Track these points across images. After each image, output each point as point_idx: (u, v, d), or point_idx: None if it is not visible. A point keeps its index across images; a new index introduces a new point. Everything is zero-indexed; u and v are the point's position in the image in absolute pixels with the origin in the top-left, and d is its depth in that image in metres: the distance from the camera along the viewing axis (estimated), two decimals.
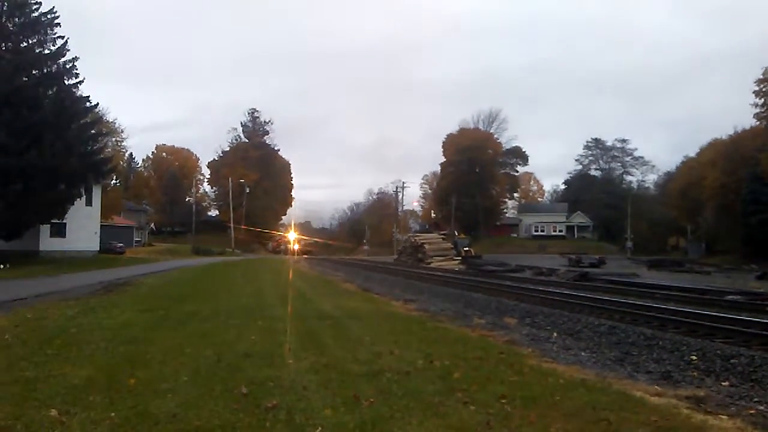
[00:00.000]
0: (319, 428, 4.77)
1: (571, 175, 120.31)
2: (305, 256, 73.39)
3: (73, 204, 40.03)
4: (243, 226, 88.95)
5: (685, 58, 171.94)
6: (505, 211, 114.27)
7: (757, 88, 55.33)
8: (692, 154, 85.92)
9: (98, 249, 49.11)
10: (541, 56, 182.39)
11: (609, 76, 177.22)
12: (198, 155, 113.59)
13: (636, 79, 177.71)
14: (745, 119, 76.07)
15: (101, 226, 51.00)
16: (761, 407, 6.63)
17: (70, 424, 4.84)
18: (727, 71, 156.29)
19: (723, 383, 8.07)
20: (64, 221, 42.55)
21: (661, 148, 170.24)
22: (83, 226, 46.14)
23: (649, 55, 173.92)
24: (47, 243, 43.22)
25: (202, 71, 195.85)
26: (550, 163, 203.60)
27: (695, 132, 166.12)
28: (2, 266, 31.31)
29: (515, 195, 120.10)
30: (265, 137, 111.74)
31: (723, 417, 5.88)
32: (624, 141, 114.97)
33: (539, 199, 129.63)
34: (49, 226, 42.24)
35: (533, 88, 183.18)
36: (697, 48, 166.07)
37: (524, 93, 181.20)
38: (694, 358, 9.65)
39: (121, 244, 57.92)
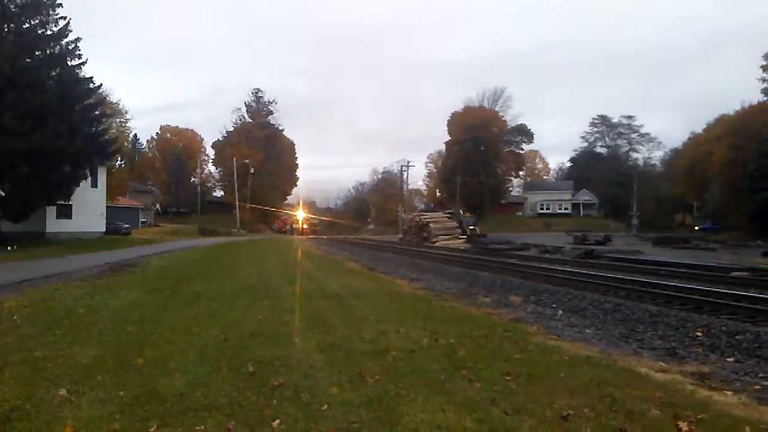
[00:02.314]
0: (326, 406, 4.81)
1: (577, 153, 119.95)
2: (311, 235, 73.48)
3: (78, 185, 40.09)
4: (250, 205, 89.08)
5: (696, 35, 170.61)
6: (510, 189, 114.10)
7: (765, 63, 54.81)
8: (701, 130, 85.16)
9: (104, 230, 49.25)
10: (552, 35, 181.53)
11: (619, 54, 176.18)
12: (203, 136, 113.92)
13: (646, 57, 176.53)
14: (754, 95, 75.25)
15: (107, 207, 51.10)
16: (766, 383, 6.65)
17: (79, 403, 4.90)
18: (738, 48, 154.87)
19: (728, 359, 8.09)
20: (70, 203, 42.60)
21: (671, 125, 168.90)
22: (89, 207, 46.23)
23: (660, 32, 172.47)
24: (54, 224, 43.37)
25: (213, 51, 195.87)
26: (557, 141, 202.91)
27: (706, 109, 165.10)
28: (9, 248, 31.50)
29: (521, 173, 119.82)
30: (269, 117, 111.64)
31: (728, 392, 5.91)
32: (630, 118, 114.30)
33: (545, 177, 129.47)
34: (55, 207, 42.29)
35: (543, 66, 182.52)
36: (709, 25, 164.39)
37: (534, 71, 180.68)
38: (699, 334, 9.67)
39: (127, 225, 58.06)
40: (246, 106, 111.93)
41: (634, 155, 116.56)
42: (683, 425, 4.44)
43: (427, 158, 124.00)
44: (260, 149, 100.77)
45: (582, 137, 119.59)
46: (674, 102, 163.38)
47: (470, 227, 60.86)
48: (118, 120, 73.61)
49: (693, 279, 19.01)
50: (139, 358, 6.42)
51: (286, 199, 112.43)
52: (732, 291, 14.69)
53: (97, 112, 43.35)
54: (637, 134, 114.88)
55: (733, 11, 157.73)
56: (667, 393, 5.50)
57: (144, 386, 5.38)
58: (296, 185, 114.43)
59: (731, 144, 62.60)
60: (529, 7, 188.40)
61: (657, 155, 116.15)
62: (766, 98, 58.57)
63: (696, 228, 78.65)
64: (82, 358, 6.53)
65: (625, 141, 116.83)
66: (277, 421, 4.40)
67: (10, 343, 7.42)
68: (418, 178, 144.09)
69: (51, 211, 42.53)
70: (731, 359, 8.09)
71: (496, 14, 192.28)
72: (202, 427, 4.31)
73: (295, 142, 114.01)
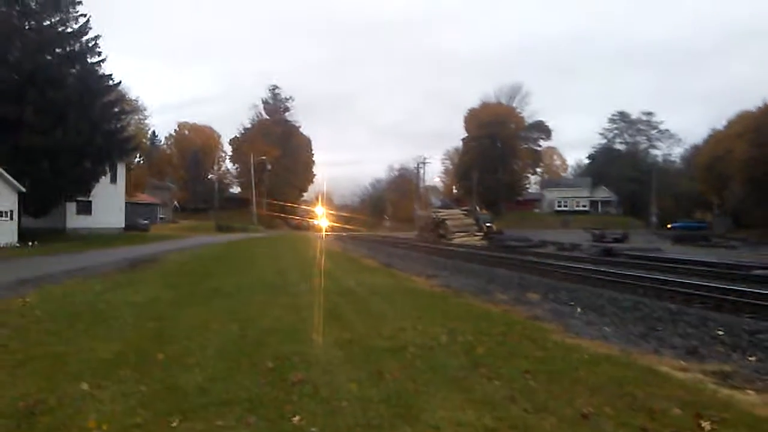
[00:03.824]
0: (345, 402, 4.82)
1: (595, 150, 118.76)
2: (328, 232, 73.63)
3: (98, 181, 40.60)
4: (270, 200, 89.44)
5: (718, 29, 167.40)
6: (527, 186, 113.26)
7: None
8: (721, 127, 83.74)
9: (123, 226, 49.74)
10: (573, 28, 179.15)
11: (638, 48, 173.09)
12: (220, 132, 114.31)
13: (667, 52, 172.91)
14: None
15: (126, 203, 51.62)
16: None
17: (101, 397, 4.96)
18: (761, 41, 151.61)
19: (750, 358, 7.99)
20: (90, 199, 43.14)
21: (692, 121, 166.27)
22: (108, 203, 46.75)
23: (681, 26, 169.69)
24: (74, 220, 43.91)
25: (230, 48, 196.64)
26: (575, 137, 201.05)
27: (728, 105, 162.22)
28: (30, 243, 31.90)
29: (538, 170, 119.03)
30: (286, 114, 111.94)
31: (750, 392, 5.83)
32: (649, 114, 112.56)
33: (562, 174, 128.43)
34: (75, 203, 42.87)
35: (564, 61, 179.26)
36: (731, 18, 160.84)
37: (552, 66, 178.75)
38: (721, 333, 9.56)
39: (146, 221, 58.62)
40: (263, 102, 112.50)
41: (653, 152, 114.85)
42: (706, 424, 4.40)
43: (444, 155, 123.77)
44: (277, 145, 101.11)
45: (600, 134, 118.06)
46: (695, 98, 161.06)
47: (486, 224, 60.59)
48: (136, 117, 74.18)
49: (713, 277, 18.79)
50: (159, 354, 6.48)
51: (303, 195, 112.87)
52: (753, 289, 14.50)
53: (116, 109, 43.79)
54: (656, 130, 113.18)
55: (756, 3, 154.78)
56: (688, 392, 5.44)
57: (165, 381, 5.44)
58: (312, 182, 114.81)
59: (752, 140, 61.60)
60: (549, 1, 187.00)
61: (677, 152, 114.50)
62: None
63: (669, 226, 77.73)
64: (103, 353, 6.61)
65: (644, 137, 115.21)
66: (298, 417, 4.42)
67: (32, 338, 7.53)
68: (434, 174, 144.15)
69: (71, 206, 43.11)
70: (753, 358, 7.98)
71: (516, 8, 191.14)
72: (223, 421, 4.35)
73: (311, 138, 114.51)
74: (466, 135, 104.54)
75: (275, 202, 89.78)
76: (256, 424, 4.31)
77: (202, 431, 4.20)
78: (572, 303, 13.27)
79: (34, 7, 37.20)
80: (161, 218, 74.72)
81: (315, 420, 4.40)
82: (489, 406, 4.78)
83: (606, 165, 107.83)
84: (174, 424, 4.30)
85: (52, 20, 37.79)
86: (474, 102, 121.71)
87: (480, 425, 4.35)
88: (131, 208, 54.94)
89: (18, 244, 31.62)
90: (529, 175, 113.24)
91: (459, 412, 4.64)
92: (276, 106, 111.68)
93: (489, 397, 5.04)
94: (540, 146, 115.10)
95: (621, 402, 4.97)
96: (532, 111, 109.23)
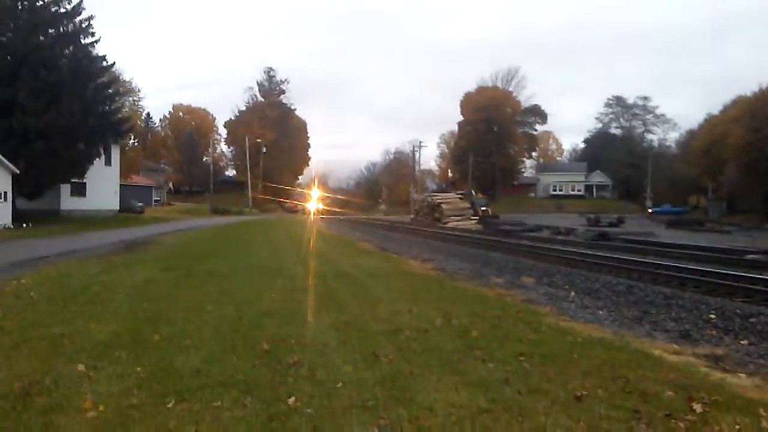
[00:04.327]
0: (341, 383, 4.84)
1: (591, 134, 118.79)
2: (323, 216, 73.62)
3: (92, 163, 40.40)
4: (265, 183, 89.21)
5: (718, 14, 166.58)
6: (523, 170, 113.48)
7: None
8: (717, 112, 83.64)
9: (118, 208, 49.66)
10: (569, 14, 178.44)
11: (636, 33, 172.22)
12: (215, 115, 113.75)
13: (666, 36, 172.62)
14: None
15: (120, 185, 51.47)
16: None
17: (97, 378, 4.96)
18: (758, 26, 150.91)
19: (742, 342, 8.05)
20: (84, 181, 42.99)
21: (689, 106, 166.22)
22: (103, 185, 46.60)
23: (680, 10, 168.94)
24: (68, 202, 43.77)
25: (226, 30, 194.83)
26: (573, 121, 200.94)
27: (726, 90, 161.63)
28: (25, 225, 31.81)
29: (533, 154, 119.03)
30: (281, 96, 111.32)
31: (741, 375, 5.90)
32: (645, 99, 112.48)
33: (558, 159, 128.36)
34: (69, 185, 42.74)
35: (559, 45, 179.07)
36: (731, 3, 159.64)
37: (549, 51, 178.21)
38: (713, 317, 9.63)
39: (141, 204, 58.40)
40: (258, 85, 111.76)
41: (649, 136, 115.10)
42: (697, 407, 4.43)
43: (440, 138, 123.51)
44: (272, 128, 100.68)
45: (596, 118, 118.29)
46: (691, 83, 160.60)
47: (482, 208, 60.67)
48: (131, 98, 73.86)
49: (707, 261, 18.88)
50: (155, 335, 6.48)
51: (298, 178, 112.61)
52: (746, 274, 14.59)
53: (110, 91, 43.44)
54: (652, 115, 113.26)
55: None
56: (680, 375, 5.49)
57: (161, 362, 5.44)
58: (308, 165, 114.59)
59: (748, 126, 61.60)
60: None
61: (672, 137, 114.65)
62: None
63: (650, 211, 78.00)
64: (99, 335, 6.60)
65: (640, 122, 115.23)
66: (293, 398, 4.43)
67: (27, 319, 7.51)
68: (430, 158, 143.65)
69: (65, 188, 42.97)
70: (745, 342, 8.05)
71: None
72: (219, 402, 4.35)
73: (307, 121, 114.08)
74: (462, 119, 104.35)
75: (270, 185, 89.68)
76: (251, 406, 4.32)
77: (198, 412, 4.20)
78: (567, 287, 13.33)
79: None
80: (156, 201, 74.45)
81: (310, 401, 4.41)
82: (483, 388, 4.80)
83: (602, 149, 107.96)
84: (170, 405, 4.30)
85: (46, 0, 37.37)
86: (470, 86, 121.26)
87: (474, 407, 4.37)
88: (126, 190, 54.73)
89: (12, 226, 31.51)
90: (524, 159, 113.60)
91: (453, 393, 4.66)
92: (271, 88, 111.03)
93: (483, 380, 5.07)
94: (536, 130, 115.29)
95: (614, 384, 5.01)
96: (528, 95, 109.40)
